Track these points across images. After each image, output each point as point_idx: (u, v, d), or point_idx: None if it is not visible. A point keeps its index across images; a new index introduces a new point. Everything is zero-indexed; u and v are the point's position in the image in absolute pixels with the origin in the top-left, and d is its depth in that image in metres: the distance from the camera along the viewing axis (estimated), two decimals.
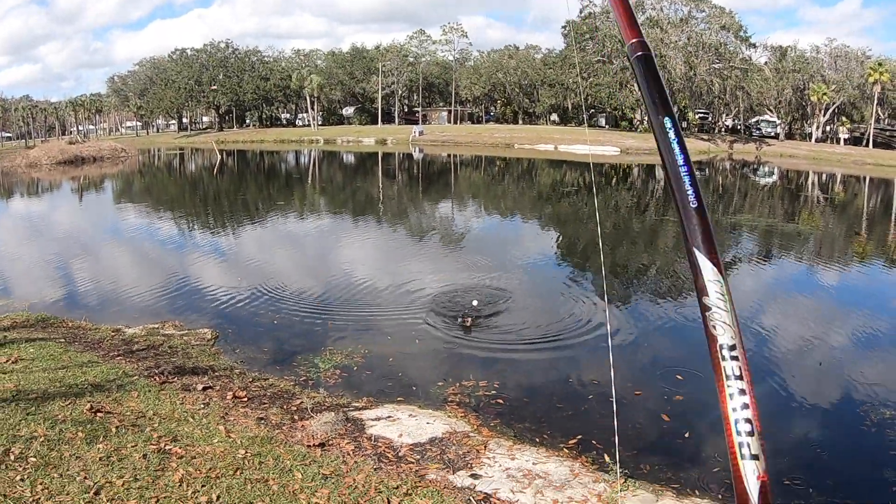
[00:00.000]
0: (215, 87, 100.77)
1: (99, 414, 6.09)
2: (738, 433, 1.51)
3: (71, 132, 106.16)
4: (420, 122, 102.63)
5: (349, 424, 6.36)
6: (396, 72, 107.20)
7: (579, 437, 6.93)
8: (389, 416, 6.77)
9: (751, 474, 1.46)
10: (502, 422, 7.21)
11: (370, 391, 8.03)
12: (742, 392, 1.54)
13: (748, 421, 1.50)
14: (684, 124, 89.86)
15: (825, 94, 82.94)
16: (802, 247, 22.61)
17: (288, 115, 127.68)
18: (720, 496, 5.80)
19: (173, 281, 15.06)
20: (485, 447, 6.10)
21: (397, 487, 4.93)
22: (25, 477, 4.65)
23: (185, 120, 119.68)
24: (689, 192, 1.97)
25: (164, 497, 4.49)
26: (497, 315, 11.96)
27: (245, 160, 67.72)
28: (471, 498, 4.94)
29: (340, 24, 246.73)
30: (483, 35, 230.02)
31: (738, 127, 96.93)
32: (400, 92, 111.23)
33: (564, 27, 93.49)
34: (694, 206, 1.92)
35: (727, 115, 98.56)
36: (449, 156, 68.05)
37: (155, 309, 12.39)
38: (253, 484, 4.81)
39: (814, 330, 12.05)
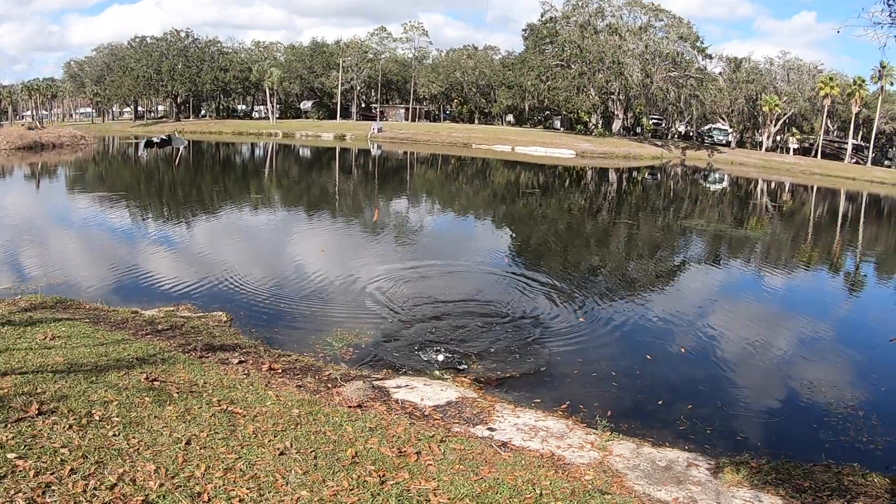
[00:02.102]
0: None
1: (156, 382, 6.96)
2: None
3: (23, 116, 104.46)
4: (378, 118, 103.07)
5: (376, 391, 7.47)
6: (356, 67, 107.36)
7: (568, 402, 8.35)
8: (408, 385, 7.91)
9: None
10: (502, 391, 8.60)
11: (384, 365, 9.29)
12: None
13: None
14: (639, 129, 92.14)
15: (777, 105, 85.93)
16: (750, 251, 24.20)
17: (245, 107, 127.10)
18: (687, 448, 7.21)
19: (175, 267, 15.93)
20: (493, 409, 7.34)
21: (432, 436, 6.05)
22: (118, 433, 5.35)
23: (140, 108, 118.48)
24: None
25: (247, 445, 5.47)
26: (480, 302, 13.25)
27: (204, 151, 67.43)
28: (492, 444, 6.10)
29: (300, 16, 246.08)
30: (441, 33, 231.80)
31: (691, 134, 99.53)
32: (359, 88, 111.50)
33: (525, 30, 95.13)
34: None
35: (680, 121, 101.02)
36: (407, 153, 68.63)
37: (160, 293, 13.28)
38: (314, 435, 5.84)
39: (755, 325, 13.80)
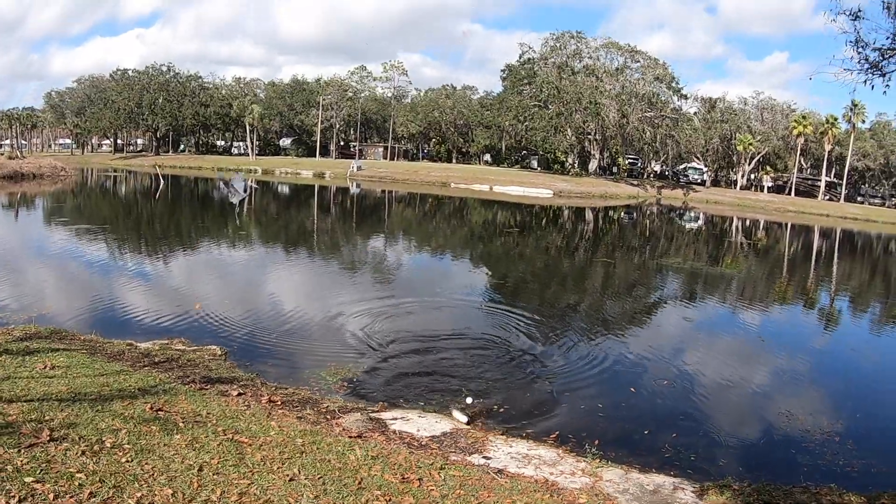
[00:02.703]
0: None
1: (160, 412, 7.17)
2: None
3: (2, 145, 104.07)
4: (357, 156, 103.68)
5: (374, 423, 7.74)
6: (336, 106, 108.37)
7: (557, 433, 8.70)
8: (403, 417, 8.19)
9: None
10: (494, 422, 8.85)
11: (378, 398, 9.57)
12: None
13: None
14: (615, 169, 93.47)
15: (751, 144, 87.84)
16: (725, 288, 24.76)
17: (224, 143, 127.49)
18: (672, 473, 7.59)
19: (164, 301, 16.04)
20: (486, 439, 7.65)
21: (432, 464, 6.34)
22: (131, 459, 5.56)
23: (119, 141, 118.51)
24: None
25: (257, 472, 5.71)
26: (464, 337, 13.58)
27: (185, 185, 67.70)
28: (488, 471, 6.40)
29: (280, 53, 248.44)
30: (420, 73, 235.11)
31: (667, 173, 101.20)
32: (338, 126, 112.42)
33: (503, 71, 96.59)
34: None
35: (656, 161, 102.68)
36: (386, 192, 68.89)
37: (151, 326, 13.44)
38: (320, 462, 6.10)
39: (733, 358, 14.36)
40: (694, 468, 8.10)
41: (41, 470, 5.07)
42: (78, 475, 5.07)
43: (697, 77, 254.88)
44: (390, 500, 5.38)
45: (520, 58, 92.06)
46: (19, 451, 5.35)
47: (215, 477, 5.47)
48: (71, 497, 4.71)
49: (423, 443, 7.29)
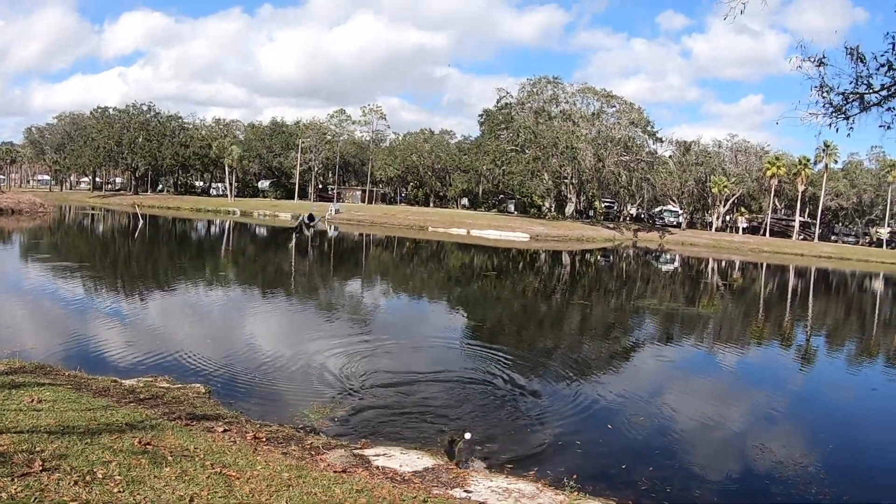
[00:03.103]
0: None
1: (149, 446, 7.31)
2: None
3: None
4: (335, 199, 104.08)
5: (357, 458, 7.93)
6: (315, 148, 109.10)
7: (536, 468, 8.93)
8: (385, 454, 8.38)
9: None
10: (475, 457, 9.02)
11: (361, 436, 9.74)
12: None
13: None
14: (591, 212, 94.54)
15: (726, 186, 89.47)
16: (702, 328, 25.17)
17: (203, 183, 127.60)
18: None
19: (146, 339, 16.19)
20: (467, 474, 7.85)
21: (415, 497, 6.55)
22: (123, 490, 5.69)
23: (98, 179, 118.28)
24: None
25: (248, 502, 5.90)
26: (442, 377, 13.80)
27: (164, 225, 67.54)
28: (470, 502, 6.61)
29: (260, 95, 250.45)
30: (398, 116, 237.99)
31: (642, 216, 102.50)
32: (317, 169, 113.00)
33: (481, 115, 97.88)
34: None
35: (632, 204, 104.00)
36: (363, 235, 68.92)
37: (133, 364, 13.56)
38: (307, 495, 6.28)
39: (708, 396, 14.70)
40: (670, 500, 8.38)
41: (35, 498, 5.19)
42: None
43: (673, 120, 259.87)
44: None
45: (497, 103, 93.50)
46: (13, 479, 5.46)
47: None
48: None
49: (405, 477, 7.49)
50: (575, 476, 8.47)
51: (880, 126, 8.58)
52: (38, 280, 25.76)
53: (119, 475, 6.05)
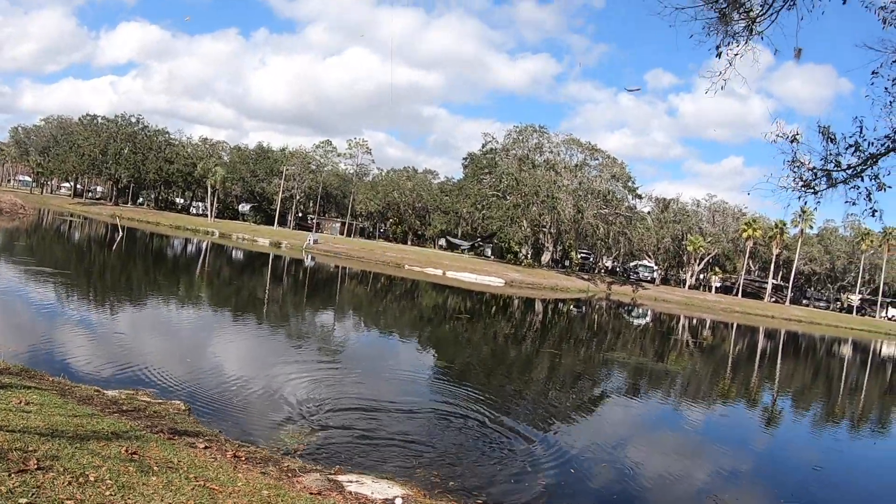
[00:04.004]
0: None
1: (135, 455, 7.64)
2: None
3: None
4: (314, 229, 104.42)
5: (332, 483, 8.36)
6: (298, 177, 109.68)
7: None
8: (358, 481, 8.82)
9: None
10: (439, 489, 9.52)
11: (334, 462, 10.16)
12: None
13: None
14: (567, 262, 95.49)
15: (701, 245, 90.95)
16: (669, 384, 25.77)
17: (183, 201, 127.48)
18: None
19: (126, 354, 16.52)
20: None
21: None
22: (114, 493, 6.00)
23: (79, 186, 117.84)
24: None
25: None
26: (413, 412, 14.30)
27: (141, 239, 67.43)
28: None
29: (248, 118, 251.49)
30: (383, 151, 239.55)
31: (618, 269, 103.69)
32: (298, 197, 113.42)
33: (465, 158, 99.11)
34: None
35: (608, 257, 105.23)
36: (339, 267, 69.01)
37: (113, 377, 13.89)
38: None
39: (669, 449, 15.30)
40: None
41: (33, 494, 5.48)
42: (67, 502, 5.52)
43: (655, 176, 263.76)
44: None
45: (483, 147, 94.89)
46: (10, 475, 5.74)
47: None
48: None
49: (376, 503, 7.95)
50: None
51: (846, 202, 9.19)
52: (18, 284, 25.89)
53: (110, 480, 6.34)
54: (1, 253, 38.09)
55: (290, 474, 8.56)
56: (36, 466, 6.11)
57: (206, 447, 9.07)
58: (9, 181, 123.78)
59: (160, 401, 11.91)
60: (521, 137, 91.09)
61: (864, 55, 8.53)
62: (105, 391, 11.79)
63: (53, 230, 63.98)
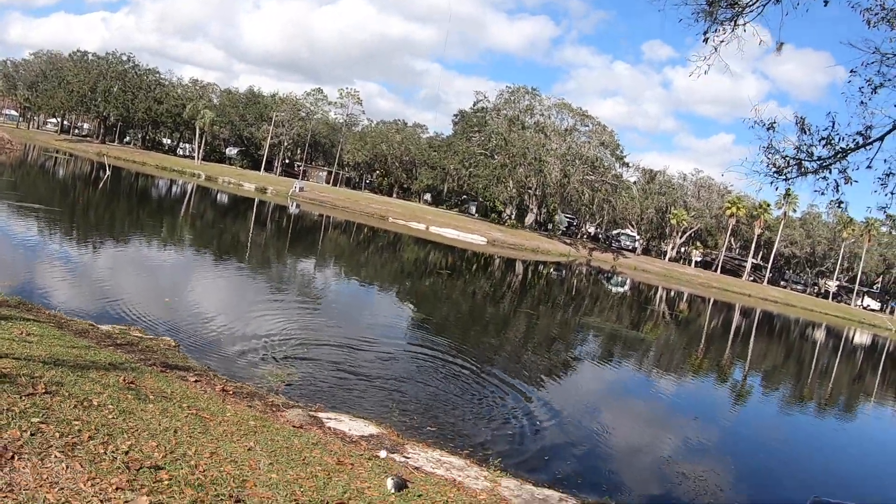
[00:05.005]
0: None
1: (132, 385, 8.21)
2: None
3: None
4: (301, 177, 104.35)
5: (313, 419, 9.03)
6: (287, 123, 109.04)
7: (469, 450, 10.14)
8: (336, 419, 9.52)
9: None
10: (413, 432, 10.30)
11: (315, 400, 10.84)
12: None
13: None
14: (550, 225, 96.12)
15: (684, 219, 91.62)
16: (641, 353, 26.61)
17: (171, 142, 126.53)
18: (560, 490, 9.06)
19: (117, 291, 17.05)
20: (406, 444, 9.05)
21: (361, 455, 7.68)
22: (116, 416, 6.53)
23: (66, 122, 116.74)
24: None
25: (221, 440, 6.91)
26: (390, 360, 15.01)
27: (126, 178, 67.11)
28: (407, 466, 7.78)
29: (239, 61, 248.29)
30: (374, 103, 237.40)
31: (600, 236, 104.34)
32: (286, 143, 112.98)
33: (456, 115, 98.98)
34: None
35: (591, 223, 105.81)
36: (323, 216, 69.56)
37: (105, 313, 14.43)
38: (271, 441, 7.34)
39: (633, 410, 16.37)
40: (580, 488, 9.66)
41: (43, 414, 5.96)
42: (75, 422, 6.01)
43: (644, 147, 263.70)
44: (329, 474, 6.67)
45: (474, 105, 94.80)
46: (21, 397, 6.20)
47: (188, 438, 6.64)
48: (73, 437, 5.66)
49: (353, 439, 8.63)
50: (500, 460, 9.72)
51: (815, 191, 9.75)
52: (7, 221, 26.17)
53: (112, 405, 6.87)
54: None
55: (274, 409, 9.21)
56: (44, 391, 6.55)
57: (196, 380, 9.70)
58: None
59: (151, 336, 12.50)
60: (512, 98, 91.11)
61: (857, 49, 9.02)
62: (99, 325, 12.35)
63: (39, 166, 63.68)
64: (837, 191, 9.58)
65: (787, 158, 9.86)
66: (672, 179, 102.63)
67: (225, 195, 72.36)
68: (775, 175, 9.96)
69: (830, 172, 9.56)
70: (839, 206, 10.16)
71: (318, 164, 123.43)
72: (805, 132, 9.66)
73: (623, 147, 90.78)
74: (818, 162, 9.61)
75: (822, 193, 9.73)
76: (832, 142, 9.38)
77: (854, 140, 9.22)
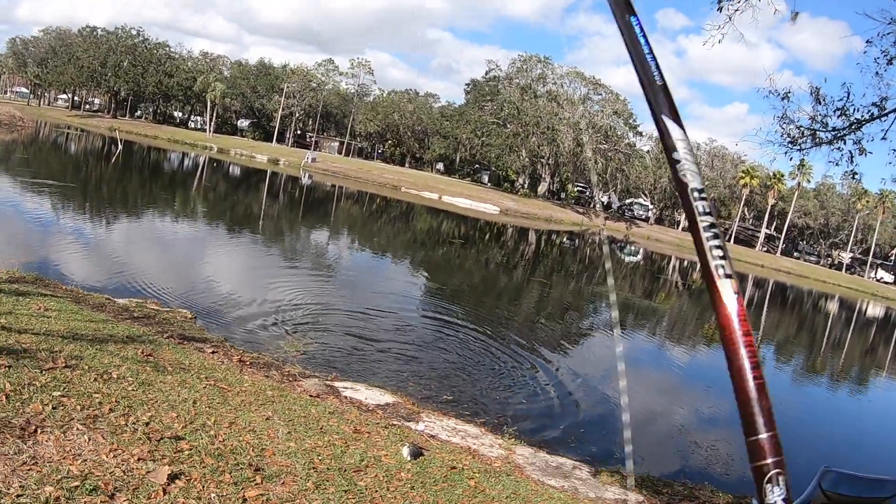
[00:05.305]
0: None
1: (150, 357, 8.34)
2: (714, 258, 1.45)
3: None
4: (313, 148, 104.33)
5: (329, 388, 9.12)
6: (299, 95, 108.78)
7: (485, 419, 10.22)
8: (352, 388, 9.61)
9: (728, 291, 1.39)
10: (428, 401, 10.39)
11: (331, 370, 10.95)
12: (711, 226, 1.46)
13: (719, 247, 1.46)
14: (563, 195, 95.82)
15: None
16: (654, 322, 26.66)
17: (182, 115, 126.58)
18: (574, 458, 9.16)
19: (132, 264, 17.22)
20: (421, 413, 9.14)
21: (378, 423, 7.76)
22: (136, 388, 6.61)
23: (76, 98, 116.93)
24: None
25: (239, 410, 7.00)
26: (404, 330, 15.10)
27: (138, 153, 67.36)
28: (423, 434, 7.87)
29: (249, 33, 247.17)
30: (386, 72, 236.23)
31: (613, 205, 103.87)
32: (298, 115, 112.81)
33: (468, 85, 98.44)
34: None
35: (604, 192, 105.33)
36: (336, 187, 69.71)
37: (120, 286, 14.58)
38: (288, 410, 7.42)
39: (644, 380, 16.31)
40: (593, 457, 9.72)
41: (64, 388, 6.03)
42: (95, 395, 6.09)
43: None
44: (346, 443, 6.75)
45: (486, 74, 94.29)
46: (41, 372, 6.28)
47: (207, 409, 6.73)
48: (94, 410, 5.73)
49: (369, 408, 8.71)
50: (514, 428, 9.81)
51: (829, 162, 9.69)
52: (22, 198, 26.36)
53: (131, 377, 6.96)
54: (2, 165, 38.33)
55: (290, 378, 9.31)
56: (64, 365, 6.63)
57: (213, 352, 9.80)
58: (5, 93, 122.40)
59: (168, 309, 12.62)
60: (525, 67, 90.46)
61: (873, 20, 8.90)
62: (115, 299, 12.47)
63: (51, 142, 63.94)
64: (852, 162, 9.52)
65: (802, 129, 9.79)
66: None
67: (237, 167, 72.51)
68: (790, 145, 9.90)
69: (845, 143, 9.48)
70: (853, 177, 10.10)
71: (330, 135, 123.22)
72: (820, 102, 9.58)
73: (636, 116, 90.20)
74: (833, 132, 9.54)
75: (837, 164, 9.68)
76: (847, 112, 9.30)
77: (869, 111, 9.14)
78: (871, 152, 9.42)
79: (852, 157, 9.45)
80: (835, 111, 9.38)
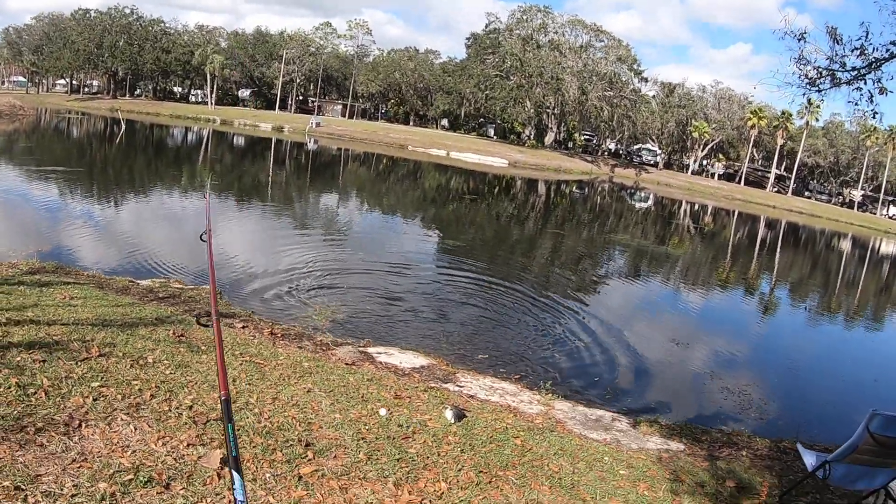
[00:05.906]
0: None
1: (182, 337, 8.26)
2: None
3: None
4: (316, 112, 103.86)
5: (363, 355, 9.10)
6: (298, 60, 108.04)
7: (520, 375, 10.21)
8: (386, 352, 9.59)
9: None
10: (461, 361, 10.38)
11: (362, 335, 10.92)
12: None
13: None
14: (570, 144, 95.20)
15: (706, 131, 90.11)
16: (669, 267, 26.54)
17: (182, 90, 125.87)
18: (612, 410, 9.20)
19: (149, 243, 17.17)
20: (457, 373, 9.13)
21: (416, 387, 7.75)
22: (173, 371, 6.57)
23: (75, 82, 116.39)
24: None
25: (279, 385, 6.96)
26: (429, 292, 15.06)
27: (141, 131, 67.25)
28: (462, 395, 7.86)
29: (245, 1, 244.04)
30: (384, 31, 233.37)
31: (621, 152, 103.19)
32: (299, 81, 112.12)
33: (468, 39, 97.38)
34: None
35: (612, 139, 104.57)
36: (342, 150, 69.36)
37: (141, 267, 14.55)
38: (327, 381, 7.40)
39: (670, 327, 16.30)
40: (630, 407, 9.76)
41: (101, 377, 5.98)
42: (134, 382, 6.05)
43: (661, 60, 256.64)
44: (389, 409, 6.73)
45: (486, 27, 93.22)
46: (77, 363, 6.22)
47: (248, 386, 6.71)
48: (135, 398, 5.69)
49: (405, 372, 8.70)
50: (550, 383, 9.79)
51: (848, 102, 9.56)
52: (30, 187, 26.28)
53: (167, 360, 6.91)
54: (6, 155, 38.21)
55: (324, 348, 9.29)
56: (98, 353, 6.58)
57: (244, 326, 9.78)
58: (2, 83, 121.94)
59: (191, 287, 12.58)
60: (525, 17, 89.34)
61: None
62: (138, 281, 12.44)
63: (53, 128, 63.73)
64: (872, 101, 9.32)
65: (820, 69, 9.58)
66: (691, 92, 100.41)
67: (242, 137, 72.29)
68: (808, 87, 9.71)
69: (865, 83, 9.27)
70: (874, 116, 9.90)
71: (333, 99, 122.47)
72: (837, 42, 9.36)
73: (640, 62, 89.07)
74: (852, 72, 9.33)
75: (857, 104, 9.49)
76: (866, 52, 9.08)
77: (888, 50, 8.92)
78: (891, 91, 9.25)
79: (872, 96, 9.26)
80: (853, 50, 9.17)
